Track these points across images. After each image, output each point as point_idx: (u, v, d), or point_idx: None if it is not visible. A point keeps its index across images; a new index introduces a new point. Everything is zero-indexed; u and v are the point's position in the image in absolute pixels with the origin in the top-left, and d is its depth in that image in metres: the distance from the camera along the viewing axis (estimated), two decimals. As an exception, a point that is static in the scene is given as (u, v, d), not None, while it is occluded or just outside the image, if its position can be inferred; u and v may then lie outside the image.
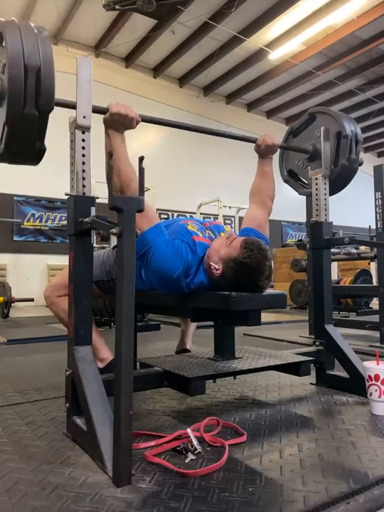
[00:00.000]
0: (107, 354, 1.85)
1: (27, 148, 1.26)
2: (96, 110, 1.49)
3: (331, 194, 2.05)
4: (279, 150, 2.15)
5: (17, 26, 1.20)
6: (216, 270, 1.58)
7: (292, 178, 2.32)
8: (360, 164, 2.11)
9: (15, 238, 8.61)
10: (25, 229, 8.72)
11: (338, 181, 2.08)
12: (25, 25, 1.23)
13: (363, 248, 4.27)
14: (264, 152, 2.04)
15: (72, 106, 1.39)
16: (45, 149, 1.28)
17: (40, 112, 1.18)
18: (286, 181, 2.36)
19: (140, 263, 1.61)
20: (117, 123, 1.56)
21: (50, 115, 1.27)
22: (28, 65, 1.14)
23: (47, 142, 1.29)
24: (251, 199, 2.05)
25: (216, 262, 1.59)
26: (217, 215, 7.23)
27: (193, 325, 2.37)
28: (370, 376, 1.60)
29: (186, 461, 1.19)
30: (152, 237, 1.57)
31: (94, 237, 1.40)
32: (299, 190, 2.30)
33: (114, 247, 1.74)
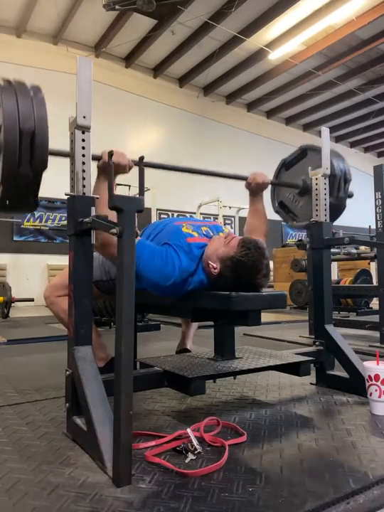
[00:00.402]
0: (105, 353, 1.85)
1: (21, 203, 1.33)
2: (94, 158, 1.49)
3: None
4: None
5: (13, 89, 1.25)
6: (214, 269, 1.60)
7: (283, 209, 2.37)
8: (350, 196, 2.15)
9: (15, 238, 8.62)
10: (25, 229, 8.73)
11: (330, 216, 2.10)
12: (21, 85, 1.27)
13: (363, 248, 4.28)
14: (254, 190, 2.04)
15: (66, 154, 1.42)
16: (38, 202, 1.35)
17: (34, 171, 1.24)
18: (277, 212, 2.41)
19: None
20: (107, 172, 1.55)
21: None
22: (23, 130, 1.20)
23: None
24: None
25: (214, 261, 1.60)
26: (217, 215, 7.23)
27: (194, 325, 2.37)
28: (370, 376, 1.60)
29: (186, 461, 1.19)
30: (137, 255, 1.59)
31: (95, 237, 1.40)
32: (288, 222, 2.35)
33: None
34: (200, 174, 2.07)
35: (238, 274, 1.56)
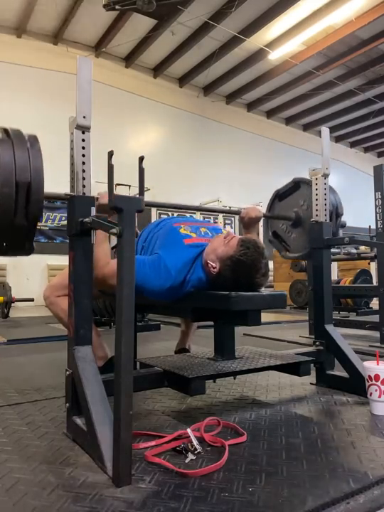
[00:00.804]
0: (104, 352, 1.85)
1: (17, 249, 1.37)
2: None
3: (308, 258, 2.11)
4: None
5: (11, 141, 1.27)
6: (213, 268, 1.61)
7: (276, 239, 2.41)
8: (343, 226, 2.17)
9: (15, 238, 8.61)
10: (25, 229, 8.71)
11: None
12: (18, 135, 1.30)
13: (363, 248, 4.28)
14: (248, 224, 2.04)
15: (61, 197, 1.44)
16: (33, 248, 1.39)
17: (29, 220, 1.27)
18: (270, 242, 2.44)
19: None
20: (105, 211, 1.55)
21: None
22: (19, 182, 1.23)
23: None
24: None
25: (213, 260, 1.61)
26: (218, 215, 7.23)
27: (193, 325, 2.37)
28: (370, 376, 1.60)
29: (186, 461, 1.19)
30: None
31: (95, 237, 1.40)
32: (281, 252, 2.39)
33: (113, 248, 1.75)
34: (191, 210, 2.08)
35: (237, 274, 1.57)
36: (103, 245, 1.62)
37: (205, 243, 1.73)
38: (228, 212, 2.12)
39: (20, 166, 1.24)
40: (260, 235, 2.11)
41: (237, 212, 2.07)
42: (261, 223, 2.37)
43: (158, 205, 1.97)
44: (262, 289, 1.64)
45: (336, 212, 2.11)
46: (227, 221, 9.98)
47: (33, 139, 1.32)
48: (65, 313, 1.56)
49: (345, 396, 1.84)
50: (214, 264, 1.61)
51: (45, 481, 1.09)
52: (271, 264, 8.13)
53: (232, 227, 9.68)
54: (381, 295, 3.03)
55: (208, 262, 1.63)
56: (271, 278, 8.40)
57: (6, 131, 1.31)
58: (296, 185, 2.28)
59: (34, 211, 1.26)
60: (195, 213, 7.73)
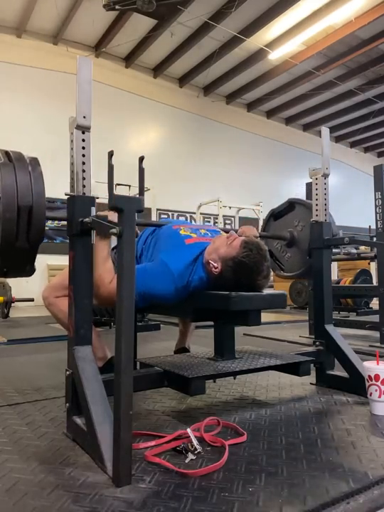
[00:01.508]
0: (104, 353, 1.85)
1: (18, 271, 1.39)
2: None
3: (303, 277, 2.14)
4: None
5: (12, 165, 1.28)
6: (215, 269, 1.60)
7: (271, 258, 2.42)
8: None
9: (15, 238, 8.62)
10: (25, 229, 8.72)
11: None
12: (19, 159, 1.31)
13: (363, 248, 4.28)
14: None
15: (63, 218, 1.47)
16: (35, 269, 1.41)
17: (30, 243, 1.29)
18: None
19: None
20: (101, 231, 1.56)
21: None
22: (21, 207, 1.24)
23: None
24: None
25: (215, 260, 1.61)
26: (217, 215, 7.23)
27: (191, 325, 2.37)
28: (370, 376, 1.60)
29: (186, 461, 1.19)
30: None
31: (95, 237, 1.40)
32: (276, 271, 2.41)
33: (113, 249, 1.75)
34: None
35: (239, 275, 1.57)
36: (106, 264, 1.59)
37: (206, 242, 1.73)
38: (223, 230, 2.16)
39: (22, 190, 1.25)
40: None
41: (227, 232, 2.08)
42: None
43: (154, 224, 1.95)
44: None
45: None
46: (227, 221, 10.00)
47: (34, 162, 1.33)
48: (64, 314, 1.56)
49: (345, 396, 1.84)
50: (216, 264, 1.60)
51: (45, 481, 1.09)
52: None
53: (231, 227, 9.68)
54: (381, 295, 3.04)
55: (209, 262, 1.62)
56: (271, 278, 8.39)
57: (7, 154, 1.32)
58: (291, 205, 2.32)
59: (35, 234, 1.28)
60: (195, 213, 7.73)
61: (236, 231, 1.99)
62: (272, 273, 1.75)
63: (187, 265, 1.64)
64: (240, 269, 1.56)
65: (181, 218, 10.20)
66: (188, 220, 9.68)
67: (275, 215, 2.42)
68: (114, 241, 1.69)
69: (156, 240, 1.82)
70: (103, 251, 1.57)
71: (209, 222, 10.09)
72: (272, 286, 7.60)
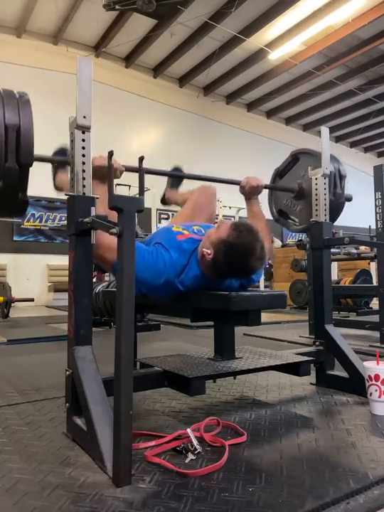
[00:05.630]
0: None
1: (10, 199, 1.36)
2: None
3: None
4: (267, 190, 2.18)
5: (0, 94, 1.31)
6: (208, 255, 1.56)
7: (282, 217, 2.40)
8: (349, 200, 2.16)
9: (15, 238, 8.61)
10: (25, 229, 8.72)
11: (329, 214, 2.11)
12: (8, 92, 1.34)
13: (363, 248, 4.28)
14: (248, 193, 2.03)
15: (49, 160, 1.51)
16: (27, 201, 1.39)
17: (20, 165, 1.29)
18: (277, 221, 2.43)
19: None
20: (99, 175, 1.54)
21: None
22: (8, 125, 1.25)
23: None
24: None
25: (207, 247, 1.58)
26: (217, 215, 7.23)
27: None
28: (370, 376, 1.60)
29: (186, 461, 1.19)
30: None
31: (95, 237, 1.40)
32: (290, 228, 2.38)
33: None
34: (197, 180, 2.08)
35: (232, 258, 1.52)
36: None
37: (198, 240, 1.71)
38: (228, 182, 2.12)
39: (10, 112, 1.27)
40: (263, 208, 2.08)
41: (238, 182, 2.06)
42: (266, 204, 2.35)
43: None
44: (261, 275, 1.61)
45: (339, 175, 2.09)
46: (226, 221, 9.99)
47: (23, 93, 1.35)
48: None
49: (345, 396, 1.84)
50: (208, 251, 1.56)
51: (45, 481, 1.09)
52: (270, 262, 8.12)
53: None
54: (381, 295, 3.04)
55: (202, 251, 1.59)
56: (268, 259, 8.39)
57: None
58: (295, 157, 2.26)
59: (25, 155, 1.28)
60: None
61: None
62: (268, 256, 1.68)
63: (179, 258, 1.62)
64: (232, 252, 1.52)
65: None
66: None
67: (280, 173, 2.36)
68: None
69: (151, 239, 1.82)
70: (102, 191, 1.51)
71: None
72: (269, 265, 7.60)
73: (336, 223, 2.16)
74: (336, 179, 2.08)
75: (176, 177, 2.23)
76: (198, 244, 1.68)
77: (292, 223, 2.32)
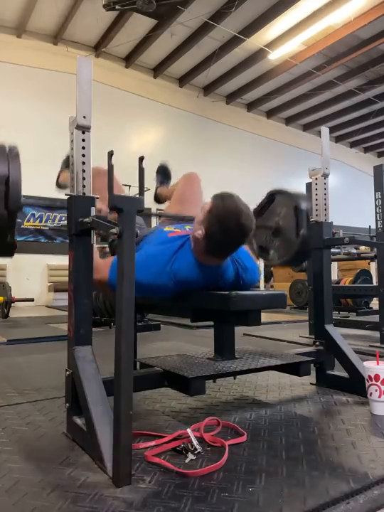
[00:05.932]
0: None
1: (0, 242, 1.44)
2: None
3: (296, 264, 2.13)
4: None
5: None
6: (200, 235, 1.55)
7: (263, 252, 2.43)
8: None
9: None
10: (25, 229, 8.70)
11: (302, 249, 2.11)
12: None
13: (363, 248, 4.27)
14: None
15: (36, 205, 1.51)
16: (16, 244, 1.48)
17: (9, 211, 1.34)
18: (260, 256, 2.46)
19: None
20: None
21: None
22: None
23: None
24: None
25: (197, 229, 1.57)
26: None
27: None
28: (370, 376, 1.60)
29: (186, 461, 1.19)
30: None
31: (94, 237, 1.40)
32: (271, 262, 2.42)
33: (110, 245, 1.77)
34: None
35: (222, 225, 1.52)
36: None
37: (189, 235, 1.71)
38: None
39: (0, 163, 1.32)
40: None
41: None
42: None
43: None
44: (258, 274, 1.62)
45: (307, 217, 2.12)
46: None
47: (13, 146, 1.40)
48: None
49: (345, 396, 1.84)
50: (200, 231, 1.56)
51: (45, 481, 1.09)
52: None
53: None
54: (381, 295, 3.03)
55: (194, 235, 1.59)
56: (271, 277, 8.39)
57: None
58: (271, 197, 2.32)
59: (13, 202, 1.32)
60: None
61: None
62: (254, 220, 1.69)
63: (165, 247, 1.63)
64: (220, 218, 1.52)
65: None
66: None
67: (258, 212, 2.42)
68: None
69: (144, 242, 1.83)
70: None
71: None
72: (272, 286, 7.62)
73: (335, 223, 2.16)
74: (309, 216, 2.10)
75: (163, 174, 2.29)
76: (188, 237, 1.69)
77: (272, 258, 2.38)
